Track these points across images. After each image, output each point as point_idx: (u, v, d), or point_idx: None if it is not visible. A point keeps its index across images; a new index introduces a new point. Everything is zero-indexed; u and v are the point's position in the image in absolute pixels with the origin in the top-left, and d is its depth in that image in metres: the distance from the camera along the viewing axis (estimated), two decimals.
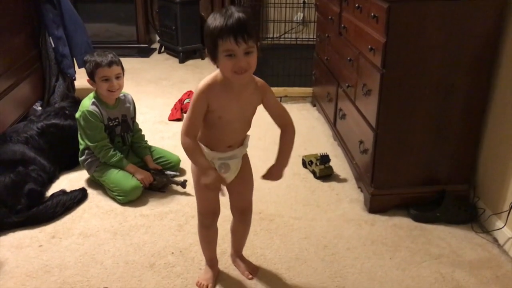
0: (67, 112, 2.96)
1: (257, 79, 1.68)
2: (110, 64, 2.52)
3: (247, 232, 2.02)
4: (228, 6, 1.51)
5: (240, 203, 1.91)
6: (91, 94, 2.61)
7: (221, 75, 1.59)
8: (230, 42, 1.46)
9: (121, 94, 2.68)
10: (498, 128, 2.28)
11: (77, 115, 2.58)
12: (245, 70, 1.51)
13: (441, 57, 2.19)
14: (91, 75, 2.55)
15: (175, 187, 2.66)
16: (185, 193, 2.61)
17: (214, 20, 1.48)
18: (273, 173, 1.77)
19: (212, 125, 1.65)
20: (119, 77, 2.57)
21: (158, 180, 2.63)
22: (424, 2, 2.10)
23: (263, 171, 1.78)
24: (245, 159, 1.84)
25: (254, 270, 2.03)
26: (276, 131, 1.78)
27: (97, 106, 2.56)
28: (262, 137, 3.13)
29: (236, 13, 1.46)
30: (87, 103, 2.57)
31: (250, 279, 2.00)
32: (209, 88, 1.59)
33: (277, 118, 1.75)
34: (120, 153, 2.62)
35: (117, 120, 2.65)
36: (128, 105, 2.71)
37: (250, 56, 1.50)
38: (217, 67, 1.57)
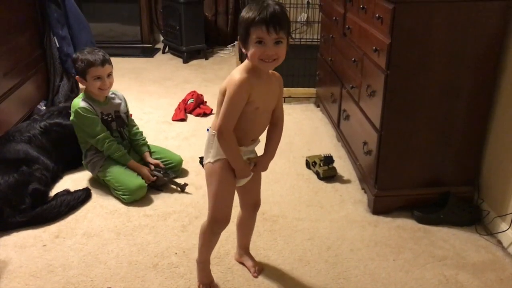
0: (69, 111, 2.96)
1: (274, 71, 1.72)
2: (103, 63, 2.55)
3: (254, 226, 2.04)
4: None
5: (252, 198, 1.93)
6: (81, 94, 2.65)
7: (250, 66, 1.61)
8: (262, 30, 1.50)
9: (111, 93, 2.71)
10: (502, 130, 2.28)
11: (71, 117, 2.61)
12: (273, 59, 1.55)
13: (445, 59, 2.18)
14: (83, 74, 2.57)
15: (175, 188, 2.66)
16: (188, 194, 2.61)
17: (250, 10, 1.52)
18: (259, 166, 1.80)
19: (246, 117, 1.65)
20: (110, 75, 2.61)
21: (160, 178, 2.63)
22: (429, 3, 2.09)
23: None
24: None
25: (260, 268, 2.04)
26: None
27: (88, 103, 2.58)
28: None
29: (272, 6, 1.51)
30: (77, 102, 2.59)
31: (255, 277, 2.01)
32: (249, 79, 1.60)
33: (276, 112, 1.77)
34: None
35: (110, 115, 2.67)
36: (118, 101, 2.74)
37: (280, 46, 1.54)
38: (246, 54, 1.59)
